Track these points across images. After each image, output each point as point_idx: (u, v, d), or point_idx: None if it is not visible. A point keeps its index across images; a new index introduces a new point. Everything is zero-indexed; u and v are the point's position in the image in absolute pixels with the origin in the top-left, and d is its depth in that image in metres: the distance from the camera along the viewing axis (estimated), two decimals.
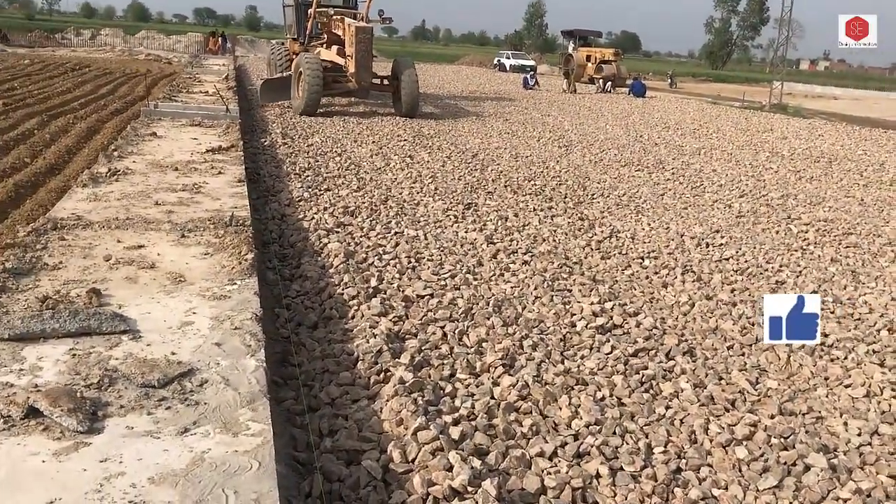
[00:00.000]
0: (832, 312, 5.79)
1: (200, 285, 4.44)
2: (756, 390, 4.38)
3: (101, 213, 5.84)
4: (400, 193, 8.80)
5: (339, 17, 16.71)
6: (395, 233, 7.03)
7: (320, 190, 8.54)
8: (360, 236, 6.80)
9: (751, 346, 5.09)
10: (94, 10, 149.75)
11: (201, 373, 3.31)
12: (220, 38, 46.96)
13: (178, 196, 6.63)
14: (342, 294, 5.20)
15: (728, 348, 5.03)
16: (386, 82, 17.31)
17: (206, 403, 3.05)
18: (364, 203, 8.05)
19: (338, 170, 9.91)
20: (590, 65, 38.16)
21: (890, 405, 4.26)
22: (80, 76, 24.05)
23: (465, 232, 7.29)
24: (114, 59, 34.42)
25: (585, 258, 6.88)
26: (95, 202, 6.17)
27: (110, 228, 5.43)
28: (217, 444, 2.77)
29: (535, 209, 8.60)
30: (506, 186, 9.81)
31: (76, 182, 6.99)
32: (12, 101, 15.93)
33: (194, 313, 3.99)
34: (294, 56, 18.02)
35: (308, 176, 9.28)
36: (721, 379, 4.49)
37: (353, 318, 4.85)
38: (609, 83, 33.86)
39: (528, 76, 33.00)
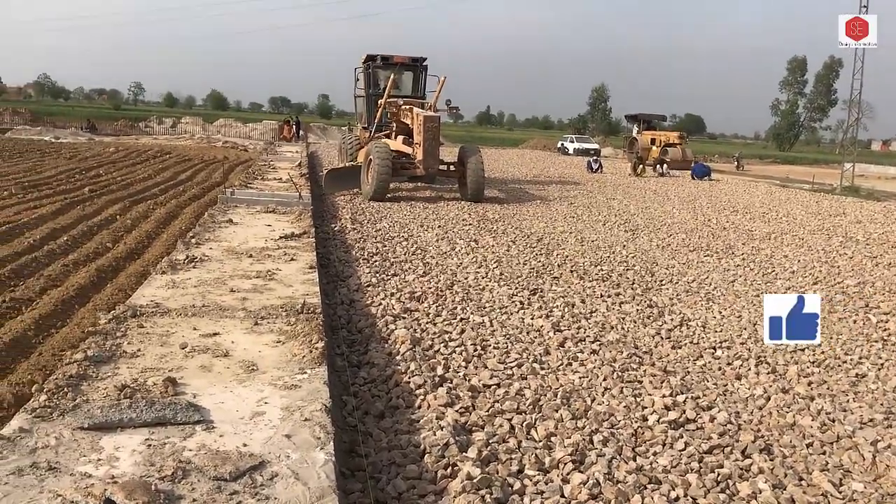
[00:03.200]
0: None
1: (272, 374, 4.52)
2: (840, 493, 4.16)
3: (179, 300, 6.05)
4: (465, 278, 8.86)
5: (407, 106, 17.26)
6: (461, 319, 7.05)
7: (388, 275, 8.67)
8: (426, 322, 6.84)
9: (832, 443, 4.86)
10: (175, 100, 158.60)
11: (272, 466, 3.34)
12: (293, 126, 48.93)
13: (252, 283, 6.83)
14: (408, 382, 5.22)
15: (808, 446, 4.80)
16: (452, 168, 17.70)
17: (276, 498, 3.07)
18: (430, 288, 8.13)
19: (404, 254, 10.07)
20: (654, 148, 38.20)
21: None
22: (161, 163, 25.29)
23: (532, 319, 7.26)
24: (193, 147, 36.12)
25: (655, 347, 6.75)
26: (173, 289, 6.40)
27: (187, 316, 5.61)
28: None
29: (602, 295, 8.52)
30: (572, 272, 9.78)
31: (155, 269, 7.26)
32: (98, 187, 16.87)
33: (266, 403, 4.06)
34: (363, 144, 18.65)
35: (376, 261, 9.45)
36: (802, 480, 4.29)
37: (419, 407, 4.84)
38: (666, 166, 33.10)
39: (592, 160, 33.14)
